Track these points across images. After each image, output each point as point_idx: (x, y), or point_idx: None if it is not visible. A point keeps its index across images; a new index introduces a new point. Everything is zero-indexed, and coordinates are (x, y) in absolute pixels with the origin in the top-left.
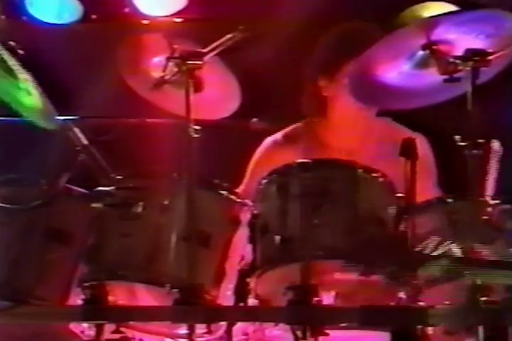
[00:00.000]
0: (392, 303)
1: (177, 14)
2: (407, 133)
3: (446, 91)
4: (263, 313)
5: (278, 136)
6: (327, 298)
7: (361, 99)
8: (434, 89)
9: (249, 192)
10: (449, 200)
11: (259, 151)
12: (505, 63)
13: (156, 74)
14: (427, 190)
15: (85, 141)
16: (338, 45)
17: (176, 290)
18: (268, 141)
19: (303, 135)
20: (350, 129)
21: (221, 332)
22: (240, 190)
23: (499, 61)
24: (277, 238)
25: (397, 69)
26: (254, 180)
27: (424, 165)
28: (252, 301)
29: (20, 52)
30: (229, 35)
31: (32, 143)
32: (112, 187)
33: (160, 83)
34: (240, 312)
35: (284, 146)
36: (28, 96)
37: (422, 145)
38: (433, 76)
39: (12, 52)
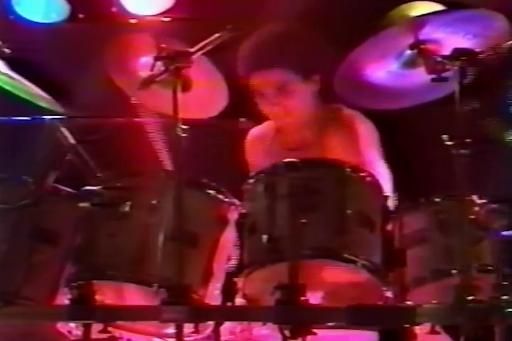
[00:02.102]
0: (380, 302)
1: (164, 13)
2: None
3: (433, 90)
4: (251, 313)
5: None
6: (314, 298)
7: (349, 99)
8: (422, 88)
9: None
10: (437, 200)
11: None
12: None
13: (144, 73)
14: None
15: (73, 141)
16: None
17: (163, 289)
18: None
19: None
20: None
21: (209, 331)
22: None
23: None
24: (265, 237)
25: (384, 69)
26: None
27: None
28: (239, 301)
29: (7, 51)
30: (216, 35)
31: (19, 142)
32: (99, 187)
33: (148, 82)
34: (227, 312)
35: (253, 145)
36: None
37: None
38: (421, 75)
39: None
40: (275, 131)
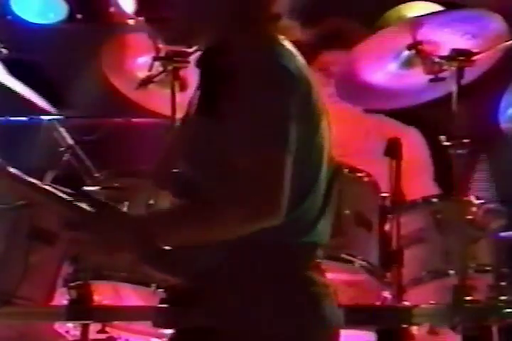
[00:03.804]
0: (377, 303)
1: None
2: (398, 129)
3: (431, 91)
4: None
5: None
6: None
7: (346, 99)
8: (420, 89)
9: None
10: (434, 200)
11: None
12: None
13: (142, 73)
14: (425, 185)
15: (70, 141)
16: (318, 41)
17: (161, 290)
18: None
19: None
20: (336, 125)
21: None
22: None
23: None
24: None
25: (382, 69)
26: None
27: (418, 160)
28: None
29: (4, 51)
30: None
31: (16, 142)
32: (96, 187)
33: (145, 83)
34: None
35: None
36: None
37: (416, 140)
38: (418, 76)
39: None
40: None
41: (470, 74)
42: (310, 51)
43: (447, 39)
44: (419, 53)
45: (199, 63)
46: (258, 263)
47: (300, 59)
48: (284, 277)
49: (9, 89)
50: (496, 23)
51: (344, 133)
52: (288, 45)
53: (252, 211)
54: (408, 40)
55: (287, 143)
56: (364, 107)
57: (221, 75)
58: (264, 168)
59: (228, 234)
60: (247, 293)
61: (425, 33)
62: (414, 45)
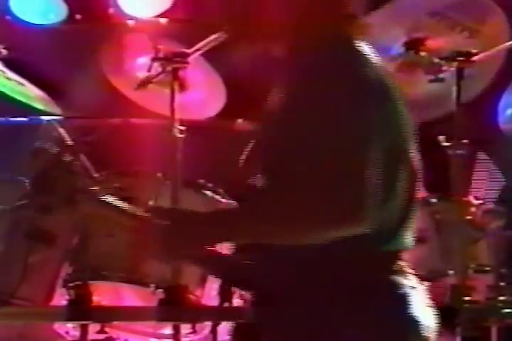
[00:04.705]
0: None
1: (162, 15)
2: None
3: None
4: (248, 313)
5: None
6: None
7: None
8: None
9: None
10: (433, 200)
11: None
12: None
13: (141, 74)
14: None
15: (70, 141)
16: None
17: (160, 290)
18: None
19: None
20: None
21: (206, 331)
22: None
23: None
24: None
25: None
26: None
27: None
28: (236, 301)
29: (4, 51)
30: (214, 36)
31: (16, 142)
32: (96, 187)
33: (145, 83)
34: (224, 312)
35: None
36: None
37: None
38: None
39: None
40: None
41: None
42: None
43: (446, 39)
44: (418, 53)
45: (276, 65)
46: (341, 274)
47: (377, 60)
48: (368, 286)
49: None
50: (496, 15)
51: None
52: (365, 46)
53: (340, 217)
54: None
55: (371, 152)
56: None
57: (297, 80)
58: (350, 175)
59: (313, 239)
60: (331, 306)
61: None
62: (414, 45)
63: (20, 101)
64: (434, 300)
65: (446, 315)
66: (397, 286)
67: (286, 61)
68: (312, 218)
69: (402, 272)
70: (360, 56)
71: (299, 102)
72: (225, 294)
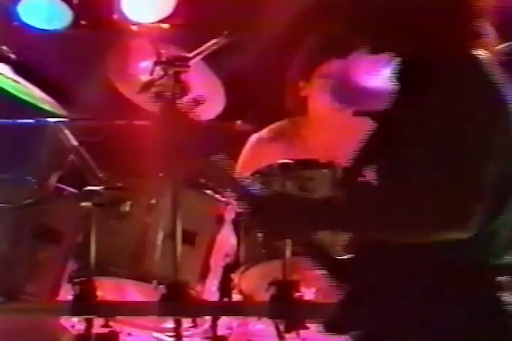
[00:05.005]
0: None
1: (164, 20)
2: None
3: None
4: (247, 308)
5: (263, 133)
6: (308, 294)
7: (341, 101)
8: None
9: None
10: None
11: (245, 151)
12: None
13: (144, 77)
14: None
15: (75, 142)
16: (319, 48)
17: (162, 286)
18: (253, 138)
19: (286, 132)
20: (327, 127)
21: (206, 326)
22: None
23: None
24: (260, 235)
25: (378, 70)
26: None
27: None
28: (236, 296)
29: (12, 56)
30: (214, 40)
31: (23, 143)
32: (100, 187)
33: (147, 86)
34: (224, 307)
35: (269, 143)
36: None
37: None
38: None
39: (4, 56)
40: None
41: None
42: (312, 61)
43: None
44: None
45: (398, 75)
46: (444, 283)
47: (495, 75)
48: (469, 298)
49: (18, 91)
50: None
51: (339, 136)
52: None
53: (449, 220)
54: None
55: (493, 165)
56: (357, 109)
57: (427, 91)
58: (469, 183)
59: (417, 238)
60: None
61: None
62: None
63: (27, 102)
64: None
65: None
66: (498, 302)
67: (437, 68)
68: (423, 218)
69: (507, 288)
70: (491, 75)
71: (445, 108)
72: (224, 289)
